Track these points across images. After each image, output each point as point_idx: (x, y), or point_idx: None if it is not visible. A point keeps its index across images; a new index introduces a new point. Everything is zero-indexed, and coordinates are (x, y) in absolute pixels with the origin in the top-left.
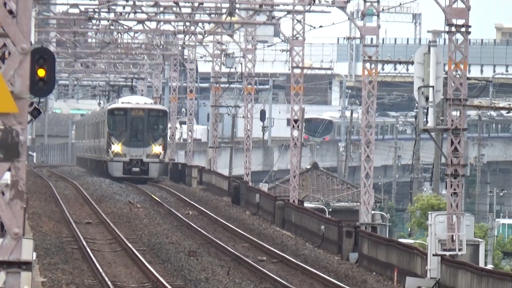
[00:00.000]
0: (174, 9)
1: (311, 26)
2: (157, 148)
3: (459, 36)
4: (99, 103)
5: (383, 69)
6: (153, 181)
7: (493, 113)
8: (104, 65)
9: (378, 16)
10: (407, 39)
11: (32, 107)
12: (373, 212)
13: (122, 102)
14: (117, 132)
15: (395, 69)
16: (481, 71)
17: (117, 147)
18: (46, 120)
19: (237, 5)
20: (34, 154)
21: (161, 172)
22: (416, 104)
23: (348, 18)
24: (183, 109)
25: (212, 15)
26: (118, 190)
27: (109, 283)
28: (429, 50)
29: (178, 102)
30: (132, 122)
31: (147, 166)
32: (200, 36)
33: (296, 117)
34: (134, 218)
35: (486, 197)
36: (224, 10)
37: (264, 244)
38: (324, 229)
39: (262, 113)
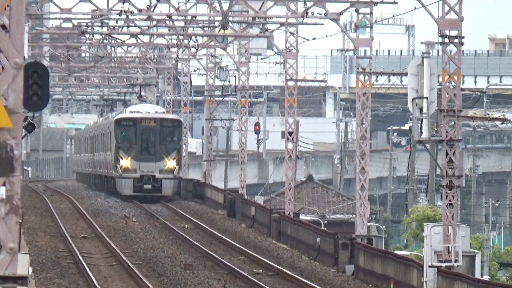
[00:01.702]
0: (167, 22)
1: (304, 38)
2: (170, 163)
3: (452, 47)
4: (101, 114)
5: (377, 80)
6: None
7: (488, 124)
8: (98, 79)
9: (371, 28)
10: (401, 51)
11: (26, 122)
12: (368, 224)
13: (131, 112)
14: (126, 145)
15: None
16: (475, 82)
17: (126, 162)
18: (41, 135)
19: (230, 18)
20: (29, 168)
21: (175, 189)
22: (411, 116)
23: (341, 30)
24: None
25: (205, 28)
26: (114, 204)
27: None
28: (422, 62)
29: None
30: (142, 134)
31: (160, 183)
32: (193, 49)
33: (290, 130)
34: (130, 232)
35: (482, 208)
36: (217, 23)
37: (260, 257)
38: (320, 242)
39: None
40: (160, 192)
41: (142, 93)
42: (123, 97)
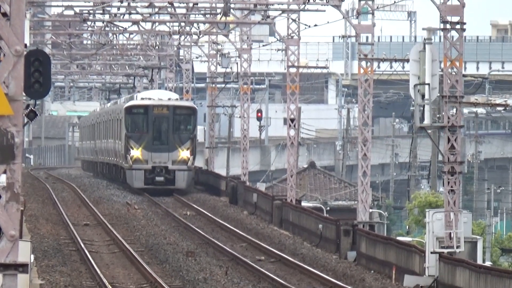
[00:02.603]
0: (169, 9)
1: (306, 25)
2: (184, 153)
3: (454, 33)
4: (107, 98)
5: (379, 67)
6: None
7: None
8: (100, 67)
9: (373, 14)
10: (403, 37)
11: (28, 110)
12: (371, 210)
13: (142, 98)
14: (137, 134)
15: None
16: (477, 68)
17: (136, 152)
18: (43, 122)
19: (232, 5)
20: (31, 156)
21: (189, 181)
22: (412, 102)
23: (343, 17)
24: None
25: (207, 15)
26: (116, 192)
27: (107, 284)
28: (424, 48)
29: None
30: (154, 122)
31: (173, 175)
32: (195, 37)
33: (292, 116)
34: (132, 220)
35: (484, 194)
36: (219, 10)
37: (262, 244)
38: (322, 228)
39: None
40: (173, 184)
41: (153, 79)
42: (132, 82)
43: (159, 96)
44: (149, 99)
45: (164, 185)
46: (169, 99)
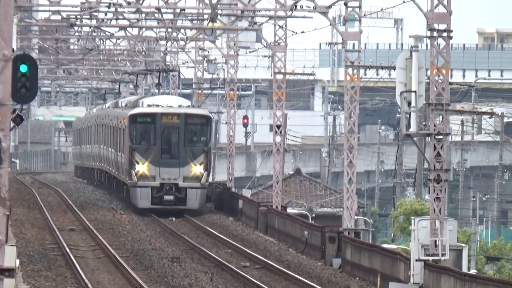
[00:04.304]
0: (156, 15)
1: (293, 31)
2: (197, 168)
3: (441, 41)
4: (104, 98)
5: (365, 74)
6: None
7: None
8: (87, 72)
9: (360, 21)
10: (389, 44)
11: (15, 114)
12: (356, 217)
13: (149, 105)
14: (143, 147)
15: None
16: (463, 76)
17: (142, 167)
18: (29, 127)
19: (219, 11)
20: (17, 161)
21: (203, 201)
22: (399, 109)
23: (330, 24)
24: None
25: (194, 21)
26: (101, 197)
27: None
28: (411, 55)
29: None
30: (163, 133)
31: (185, 193)
32: (182, 42)
33: (278, 123)
34: (117, 225)
35: (469, 202)
36: (206, 16)
37: (247, 250)
38: (307, 235)
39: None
40: (185, 204)
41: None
42: (134, 80)
43: (168, 103)
44: (157, 106)
45: (174, 205)
46: (180, 106)
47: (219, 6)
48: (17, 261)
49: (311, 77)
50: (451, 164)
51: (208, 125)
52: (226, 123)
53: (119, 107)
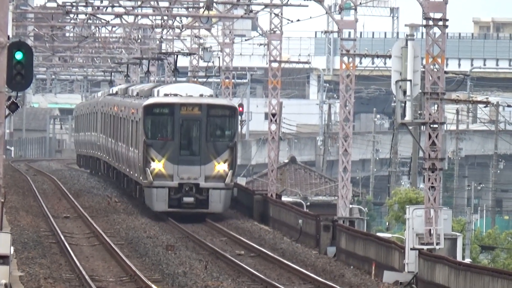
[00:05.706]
0: (152, 3)
1: (288, 20)
2: (221, 167)
3: (436, 29)
4: (110, 82)
5: (360, 63)
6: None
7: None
8: (82, 59)
9: (355, 9)
10: (385, 33)
11: (10, 101)
12: (351, 206)
13: (165, 94)
14: (160, 142)
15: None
16: (459, 65)
17: (159, 165)
18: (24, 114)
19: None
20: (12, 148)
21: (227, 204)
22: (394, 98)
23: (326, 12)
24: None
25: (189, 9)
26: (96, 185)
27: (86, 277)
28: (406, 44)
29: None
30: (182, 126)
31: (207, 195)
32: (178, 30)
33: (274, 111)
34: (112, 212)
35: (464, 191)
36: (201, 4)
37: (242, 238)
38: (302, 223)
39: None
40: (207, 207)
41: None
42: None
43: (188, 92)
44: (175, 95)
45: (194, 208)
46: (201, 95)
47: None
48: (12, 248)
49: (306, 66)
50: (446, 153)
51: (234, 117)
52: None
53: (129, 95)
